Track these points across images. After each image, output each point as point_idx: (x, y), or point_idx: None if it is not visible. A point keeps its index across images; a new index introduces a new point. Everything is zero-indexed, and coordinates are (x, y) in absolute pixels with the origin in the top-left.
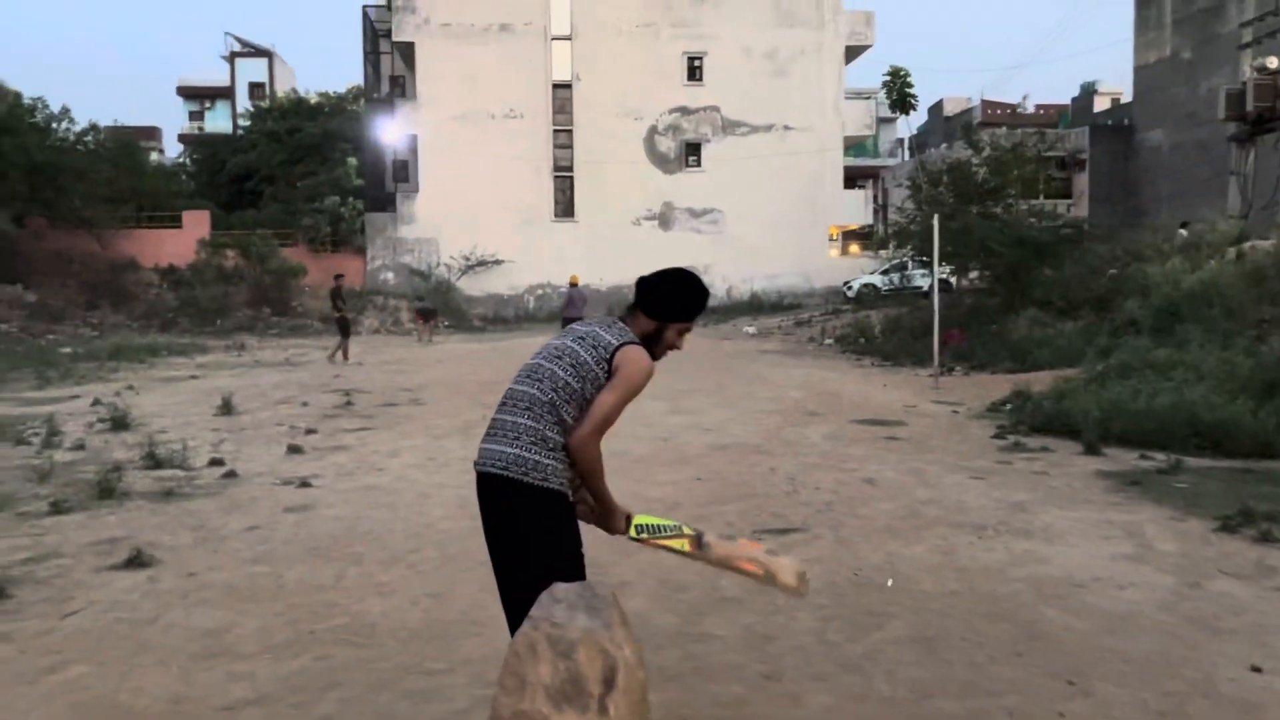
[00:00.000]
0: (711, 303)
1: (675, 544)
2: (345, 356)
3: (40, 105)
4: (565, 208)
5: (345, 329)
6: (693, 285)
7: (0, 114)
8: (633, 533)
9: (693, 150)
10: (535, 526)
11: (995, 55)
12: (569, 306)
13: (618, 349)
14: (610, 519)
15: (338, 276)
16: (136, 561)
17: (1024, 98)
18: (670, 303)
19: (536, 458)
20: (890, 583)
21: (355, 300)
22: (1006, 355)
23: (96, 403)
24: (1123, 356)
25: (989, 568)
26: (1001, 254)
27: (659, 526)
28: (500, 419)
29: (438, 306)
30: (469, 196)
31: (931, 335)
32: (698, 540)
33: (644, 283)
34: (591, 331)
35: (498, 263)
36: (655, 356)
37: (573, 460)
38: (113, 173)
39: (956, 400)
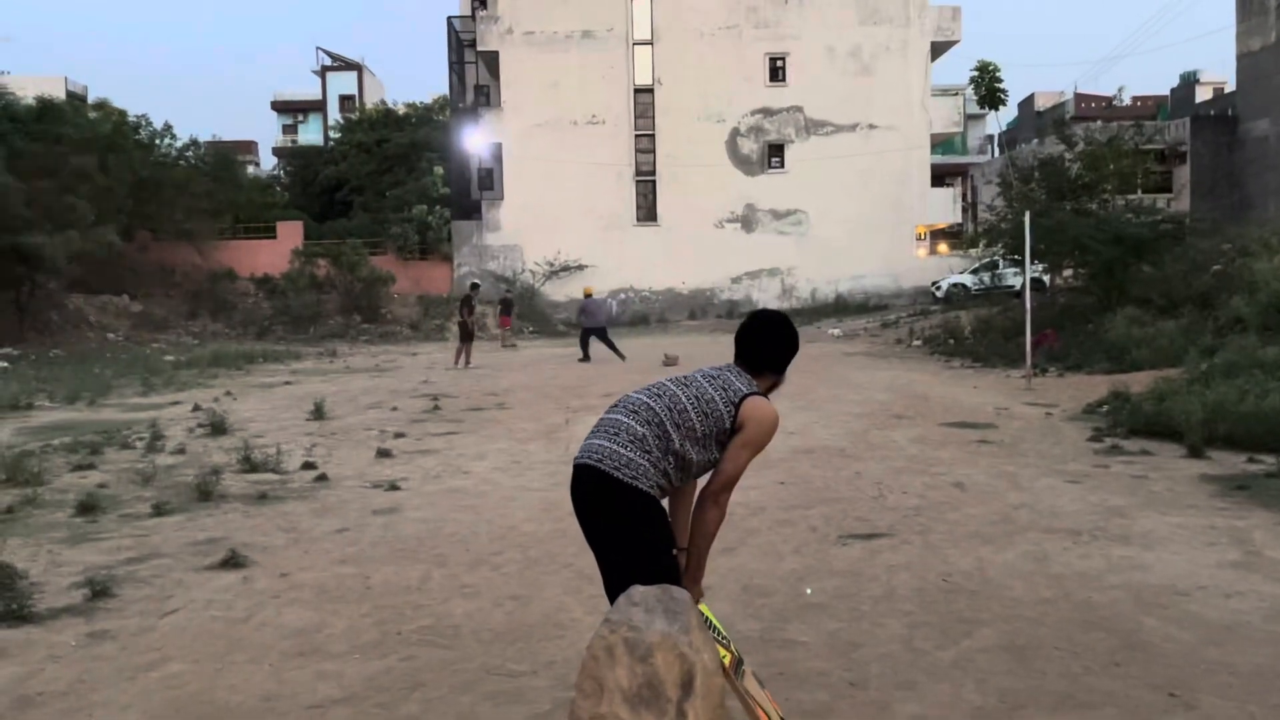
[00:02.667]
0: (795, 304)
1: (719, 650)
2: (467, 361)
3: (144, 122)
4: (647, 212)
5: (466, 335)
6: (793, 332)
7: (106, 132)
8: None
9: (775, 151)
10: (621, 521)
11: (1089, 48)
12: (587, 316)
13: (746, 397)
14: (693, 585)
15: (474, 285)
16: (232, 562)
17: (1120, 90)
18: (787, 356)
19: (631, 455)
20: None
21: (441, 307)
22: (1103, 355)
23: (196, 408)
24: (1228, 355)
25: (1085, 574)
26: (1097, 251)
27: (715, 627)
28: (607, 418)
29: (523, 310)
30: (552, 202)
31: (1024, 335)
32: (738, 663)
33: (779, 338)
34: (723, 376)
35: (581, 268)
36: None
37: (698, 510)
38: (212, 186)
39: (1050, 402)
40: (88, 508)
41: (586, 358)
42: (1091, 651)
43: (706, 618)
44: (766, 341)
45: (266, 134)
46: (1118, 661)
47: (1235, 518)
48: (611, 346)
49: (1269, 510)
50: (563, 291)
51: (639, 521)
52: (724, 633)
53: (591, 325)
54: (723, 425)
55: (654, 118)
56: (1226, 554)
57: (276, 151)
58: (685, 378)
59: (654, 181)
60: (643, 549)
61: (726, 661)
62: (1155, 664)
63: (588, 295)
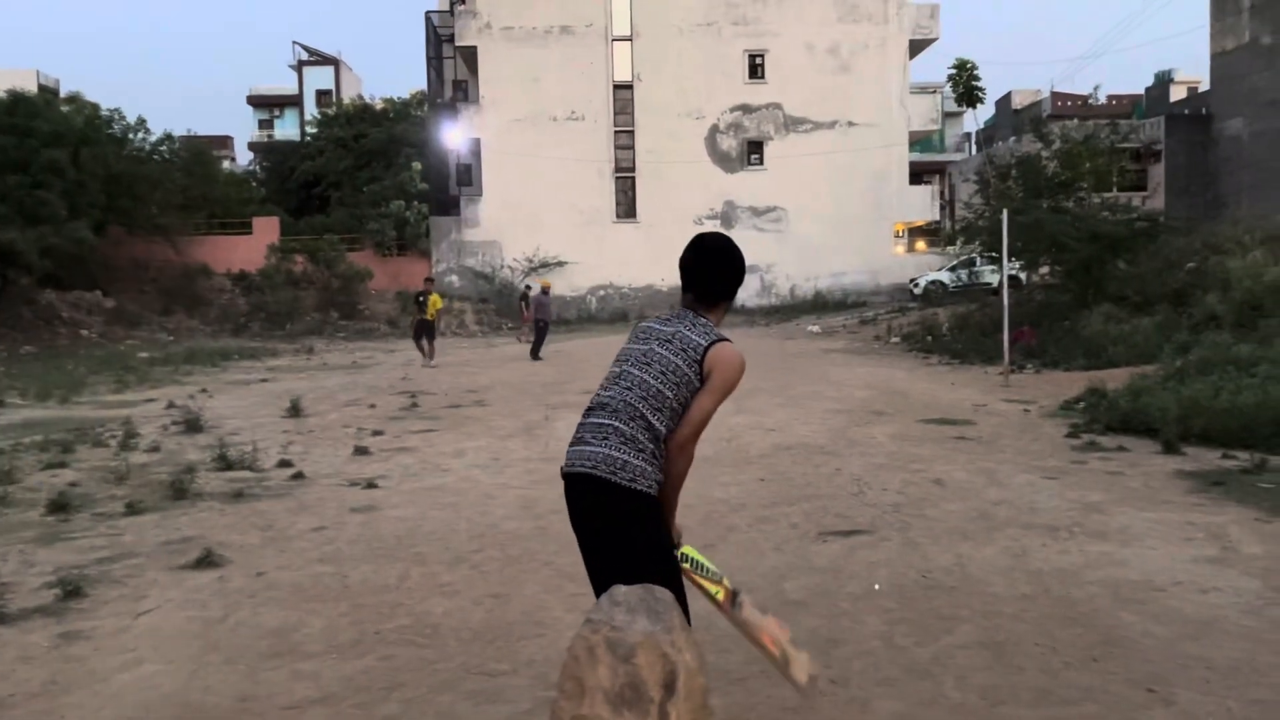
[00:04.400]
0: (774, 301)
1: (711, 587)
2: (429, 356)
3: (117, 116)
4: (627, 208)
5: (427, 331)
6: (737, 251)
7: (79, 125)
8: (677, 556)
9: (755, 148)
10: (624, 526)
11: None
12: (541, 310)
13: (708, 349)
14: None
15: (427, 280)
16: (207, 561)
17: (1095, 89)
18: (739, 280)
19: (625, 458)
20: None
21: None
22: (1079, 352)
23: (171, 406)
24: (1203, 352)
25: (1063, 570)
26: (1073, 248)
27: (702, 564)
28: (587, 423)
29: (501, 307)
30: (531, 199)
31: (1001, 332)
32: (733, 595)
33: (731, 264)
34: (677, 333)
35: (560, 264)
36: None
37: (668, 461)
38: (187, 181)
39: (1028, 399)
40: (59, 506)
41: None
42: (1070, 647)
43: (693, 557)
44: (720, 267)
45: (242, 129)
46: (1096, 657)
47: (1211, 513)
48: (539, 343)
49: (1244, 506)
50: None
51: (644, 527)
52: (713, 569)
53: (544, 318)
54: (693, 386)
55: (633, 114)
56: (1203, 549)
57: (252, 146)
58: (646, 356)
59: (633, 178)
60: (646, 554)
61: (721, 596)
62: (1133, 659)
63: (545, 289)
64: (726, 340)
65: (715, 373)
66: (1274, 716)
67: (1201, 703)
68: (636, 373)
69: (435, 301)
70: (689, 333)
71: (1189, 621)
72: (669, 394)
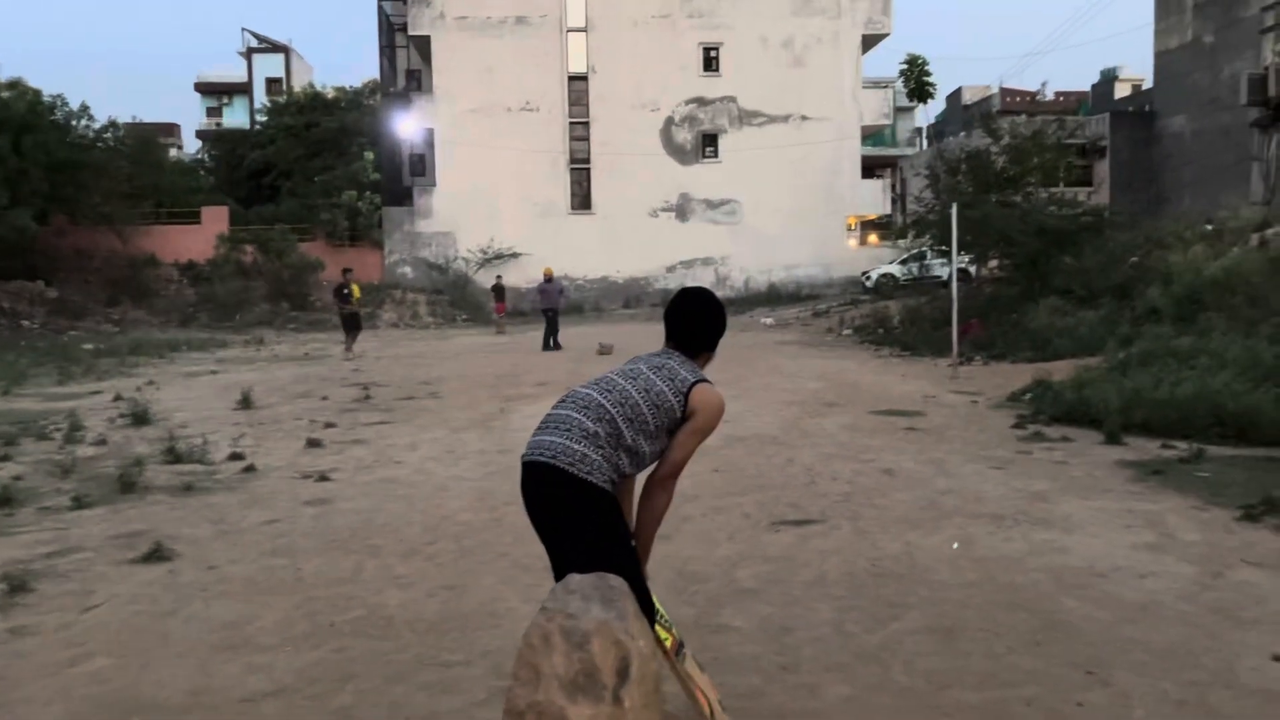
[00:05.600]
0: (729, 294)
1: (661, 633)
2: (349, 349)
3: (60, 103)
4: (582, 200)
5: (353, 323)
6: (721, 309)
7: (20, 112)
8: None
9: (709, 141)
10: (580, 516)
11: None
12: (545, 298)
13: (694, 385)
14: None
15: (345, 271)
16: (157, 555)
17: (1043, 85)
18: (719, 334)
19: (585, 451)
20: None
21: (373, 294)
22: (1026, 344)
23: (118, 398)
24: (1144, 345)
25: (1008, 558)
26: (1021, 242)
27: (657, 610)
28: (554, 413)
29: (455, 298)
30: (486, 190)
31: (951, 325)
32: (680, 645)
33: (713, 320)
34: (666, 365)
35: (515, 256)
36: None
37: (646, 497)
38: (132, 169)
39: (976, 390)
40: (3, 501)
41: (557, 345)
42: (1014, 632)
43: (654, 601)
44: (703, 323)
45: (190, 116)
46: (1039, 641)
47: (1150, 502)
48: (552, 333)
49: (1181, 494)
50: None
51: (598, 516)
52: (666, 616)
53: (550, 307)
54: (674, 416)
55: (588, 105)
56: (1142, 536)
57: (200, 134)
58: (631, 370)
59: (589, 170)
60: (603, 543)
61: (669, 644)
62: (1074, 643)
63: (548, 278)
64: (711, 383)
65: (699, 413)
66: (1208, 697)
67: (1138, 684)
68: (620, 381)
69: (357, 290)
70: (679, 367)
71: (1128, 606)
72: (646, 412)
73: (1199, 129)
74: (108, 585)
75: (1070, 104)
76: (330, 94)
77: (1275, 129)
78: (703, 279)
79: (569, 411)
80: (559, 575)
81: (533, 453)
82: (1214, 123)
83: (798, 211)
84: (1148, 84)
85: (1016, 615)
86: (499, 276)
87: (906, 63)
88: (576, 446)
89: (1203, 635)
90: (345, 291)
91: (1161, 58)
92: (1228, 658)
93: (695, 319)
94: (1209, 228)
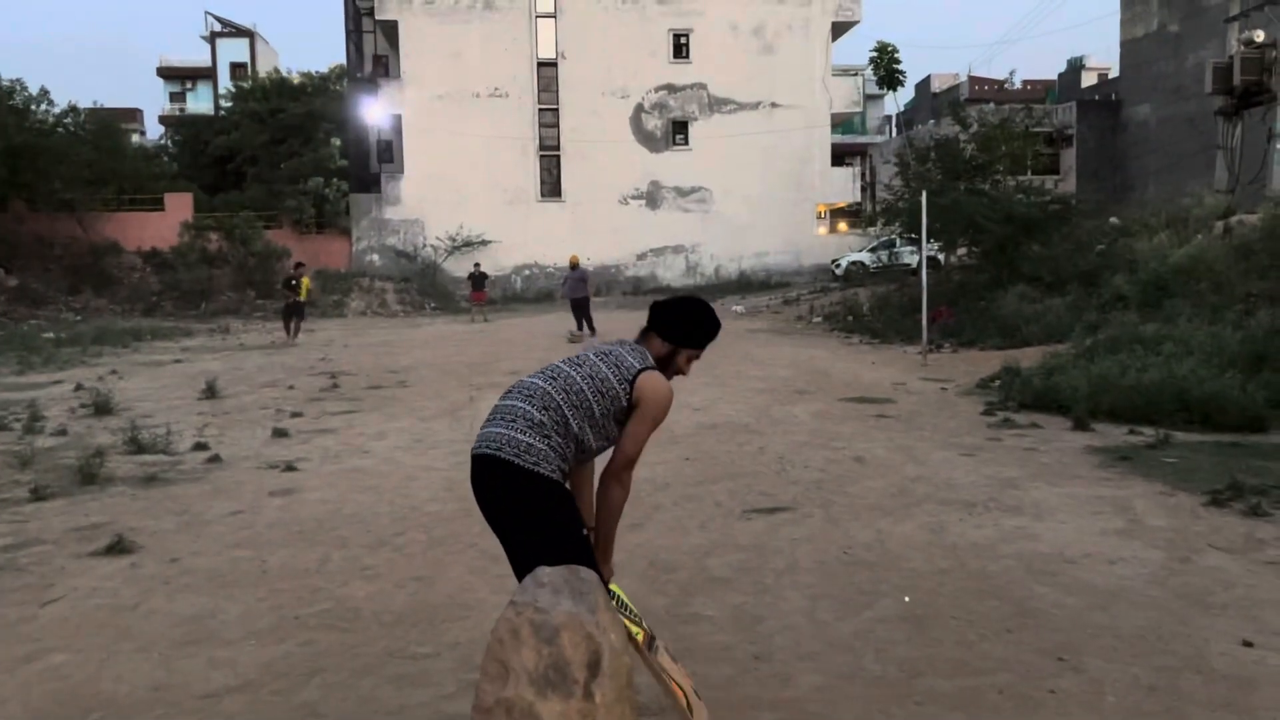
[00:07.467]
0: (699, 281)
1: (632, 628)
2: (295, 334)
3: (19, 87)
4: (552, 187)
5: (296, 311)
6: (709, 316)
7: None
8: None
9: (680, 129)
10: (530, 507)
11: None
12: (573, 288)
13: (640, 373)
14: (603, 565)
15: (298, 265)
16: (118, 548)
17: (1011, 73)
18: (686, 330)
19: (530, 441)
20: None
21: (340, 282)
22: (995, 331)
23: (79, 388)
24: (1111, 332)
25: (979, 545)
26: (989, 230)
27: (626, 604)
28: (501, 404)
29: (424, 286)
30: (454, 177)
31: (920, 312)
32: (651, 639)
33: (662, 308)
34: (615, 351)
35: (484, 243)
36: (666, 378)
37: (603, 491)
38: (93, 155)
39: (945, 377)
40: None
41: (591, 330)
42: (985, 619)
43: (617, 596)
44: (679, 314)
45: (152, 102)
46: (1010, 628)
47: (1118, 488)
48: (586, 321)
49: (1148, 480)
50: (465, 267)
51: (545, 505)
52: (635, 610)
53: (579, 297)
54: (619, 403)
55: (558, 92)
56: (1110, 522)
57: (164, 120)
58: (578, 358)
59: (558, 156)
60: (552, 532)
61: (640, 638)
62: (1045, 629)
63: (574, 265)
64: (657, 370)
65: (645, 401)
66: (1178, 682)
67: (1109, 670)
68: (565, 368)
69: (305, 284)
70: (626, 354)
71: (1098, 592)
72: (591, 399)
73: (1164, 117)
74: (67, 579)
75: (1037, 92)
76: (296, 79)
77: (1239, 117)
78: (673, 267)
79: (515, 402)
80: (514, 567)
81: (479, 445)
82: (1179, 111)
83: (768, 199)
84: (1114, 73)
85: (988, 603)
86: (477, 264)
87: (876, 50)
88: (522, 437)
89: (1172, 620)
90: (294, 284)
91: (1127, 47)
92: (1198, 643)
93: (701, 316)
94: (1114, 220)
